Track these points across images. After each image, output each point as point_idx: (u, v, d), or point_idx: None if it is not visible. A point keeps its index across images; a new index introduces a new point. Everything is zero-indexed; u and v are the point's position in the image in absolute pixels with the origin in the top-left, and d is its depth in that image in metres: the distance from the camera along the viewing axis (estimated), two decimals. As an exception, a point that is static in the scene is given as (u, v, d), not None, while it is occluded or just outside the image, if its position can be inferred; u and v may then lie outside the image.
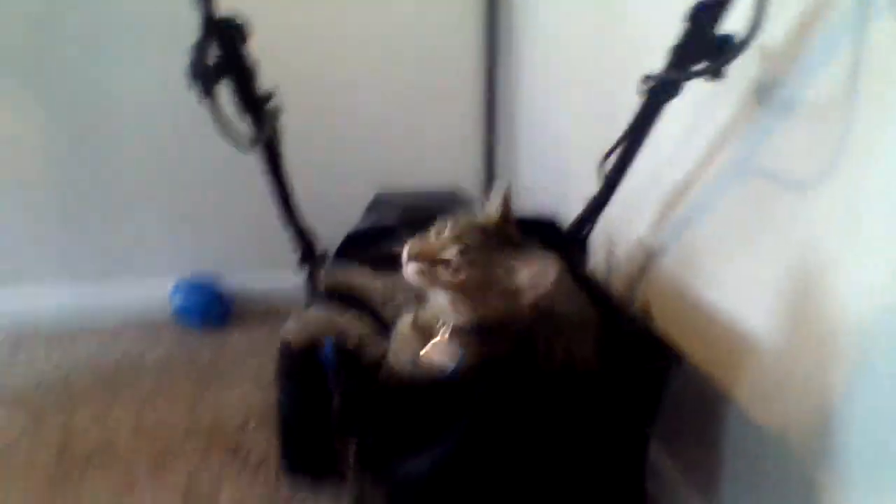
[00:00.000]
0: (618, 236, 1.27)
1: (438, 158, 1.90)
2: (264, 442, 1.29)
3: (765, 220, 0.85)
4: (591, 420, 0.78)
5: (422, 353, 0.78)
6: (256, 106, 0.96)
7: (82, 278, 1.84)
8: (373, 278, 1.06)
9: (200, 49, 0.82)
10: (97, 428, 1.36)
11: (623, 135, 0.98)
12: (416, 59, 1.81)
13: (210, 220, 1.86)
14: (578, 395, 0.62)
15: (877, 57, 0.66)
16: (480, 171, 1.93)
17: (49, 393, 1.50)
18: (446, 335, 0.78)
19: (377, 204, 1.55)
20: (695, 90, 0.84)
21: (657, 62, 0.85)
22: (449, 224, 0.78)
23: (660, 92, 0.88)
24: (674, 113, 0.90)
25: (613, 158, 1.02)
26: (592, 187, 1.09)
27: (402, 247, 0.77)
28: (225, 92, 0.88)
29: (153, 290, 1.83)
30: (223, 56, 0.87)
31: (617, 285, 1.25)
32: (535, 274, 0.72)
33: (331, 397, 0.82)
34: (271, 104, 0.98)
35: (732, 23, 0.75)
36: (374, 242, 1.25)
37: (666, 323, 1.06)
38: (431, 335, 0.79)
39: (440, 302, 0.78)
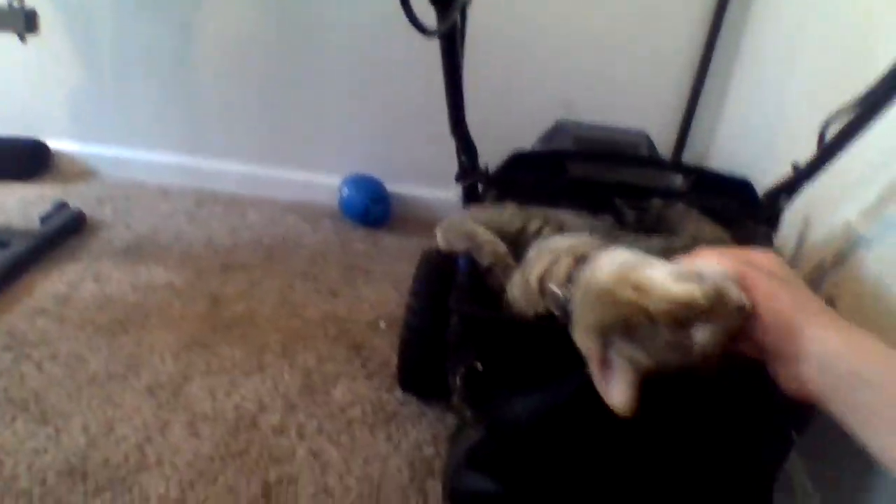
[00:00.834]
0: (817, 215, 1.07)
1: (633, 99, 1.73)
2: (388, 348, 1.30)
3: None
4: (731, 409, 0.66)
5: None
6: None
7: (262, 161, 1.97)
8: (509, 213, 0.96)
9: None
10: (245, 297, 1.45)
11: (859, 97, 0.80)
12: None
13: (385, 129, 1.87)
14: (723, 379, 0.51)
15: None
16: (675, 120, 1.74)
17: (215, 254, 1.62)
18: None
19: (556, 131, 1.46)
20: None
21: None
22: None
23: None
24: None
25: (839, 124, 0.85)
26: (802, 152, 0.92)
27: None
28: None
29: (325, 181, 1.90)
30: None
31: (803, 270, 1.07)
32: None
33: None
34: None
35: None
36: (539, 167, 1.17)
37: (853, 323, 0.90)
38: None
39: None
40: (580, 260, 0.62)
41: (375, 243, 1.75)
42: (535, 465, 0.74)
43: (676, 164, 1.59)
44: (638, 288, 0.50)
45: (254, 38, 1.78)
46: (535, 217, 0.91)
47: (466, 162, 1.11)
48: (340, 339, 1.34)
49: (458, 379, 0.75)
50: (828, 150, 0.90)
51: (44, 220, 1.62)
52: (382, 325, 1.40)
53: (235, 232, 1.75)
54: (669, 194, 1.09)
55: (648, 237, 0.93)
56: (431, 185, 1.85)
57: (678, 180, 1.20)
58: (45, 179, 1.95)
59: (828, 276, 1.01)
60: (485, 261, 0.83)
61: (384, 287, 1.54)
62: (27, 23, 1.47)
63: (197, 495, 0.96)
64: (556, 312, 0.62)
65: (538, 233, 0.89)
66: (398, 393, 1.19)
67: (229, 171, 1.96)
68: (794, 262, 1.13)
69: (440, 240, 0.94)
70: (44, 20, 1.51)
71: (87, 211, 1.73)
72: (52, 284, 1.43)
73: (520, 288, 0.73)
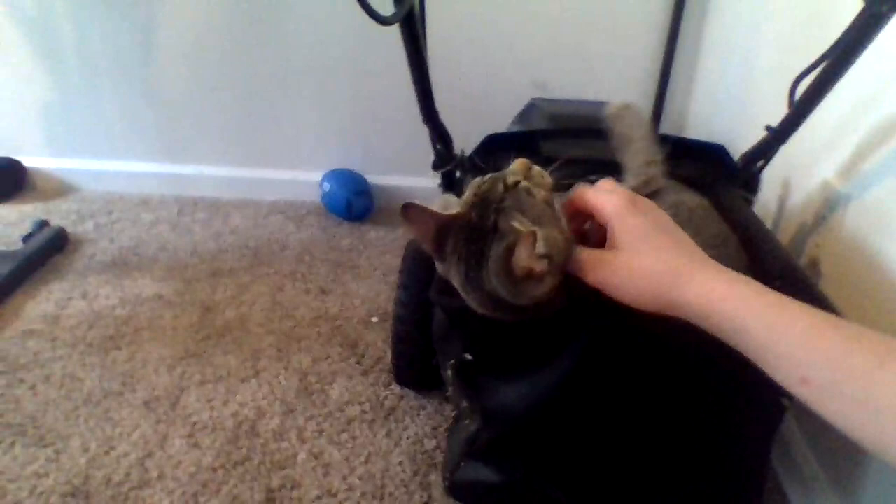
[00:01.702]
0: (797, 175, 1.08)
1: (606, 73, 1.72)
2: (382, 343, 1.30)
3: None
4: (720, 381, 0.66)
5: None
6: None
7: (241, 164, 1.95)
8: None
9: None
10: (236, 303, 1.45)
11: (826, 52, 0.79)
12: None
13: (362, 121, 1.85)
14: (709, 351, 0.51)
15: None
16: (649, 91, 1.73)
17: (201, 262, 1.61)
18: None
19: (531, 110, 1.45)
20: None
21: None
22: None
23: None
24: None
25: (809, 81, 0.86)
26: (775, 115, 0.92)
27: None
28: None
29: (306, 178, 1.89)
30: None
31: (785, 232, 1.08)
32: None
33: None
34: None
35: None
36: (515, 147, 1.16)
37: (836, 284, 0.92)
38: None
39: None
40: None
41: (361, 237, 1.75)
42: (532, 452, 0.75)
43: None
44: None
45: (220, 37, 1.75)
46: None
47: (441, 149, 1.10)
48: (334, 337, 1.34)
49: (449, 372, 0.75)
50: (799, 109, 0.90)
51: (25, 240, 1.61)
52: (374, 319, 1.40)
53: (220, 237, 1.74)
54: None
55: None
56: (413, 174, 1.83)
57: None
58: (23, 199, 1.92)
59: (809, 237, 1.02)
60: None
61: (374, 281, 1.54)
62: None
63: (202, 507, 0.97)
64: None
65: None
66: (395, 387, 1.20)
67: (209, 175, 1.95)
68: (775, 225, 1.14)
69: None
70: (3, 36, 1.48)
71: (68, 227, 1.71)
72: (40, 305, 1.42)
73: None
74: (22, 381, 1.20)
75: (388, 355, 1.20)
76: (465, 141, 1.10)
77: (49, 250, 1.61)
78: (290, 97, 1.82)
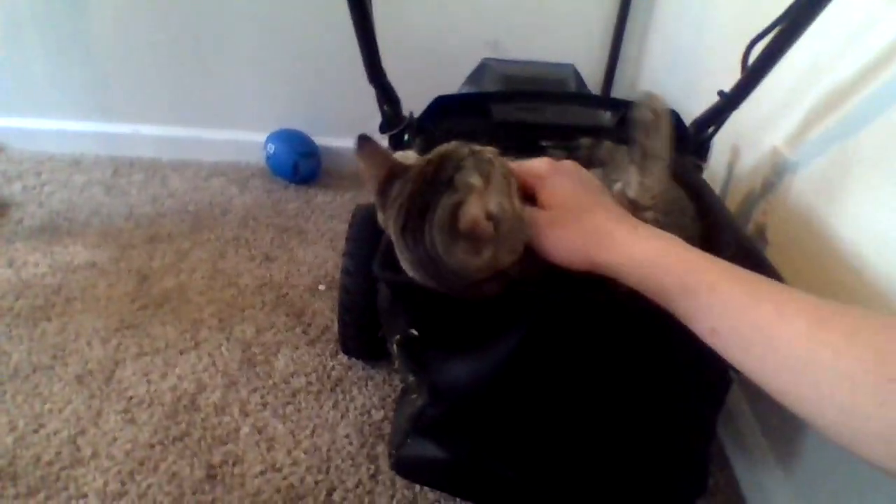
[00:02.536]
0: (746, 142, 1.07)
1: (559, 34, 1.68)
2: (330, 311, 1.27)
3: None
4: (667, 355, 0.65)
5: None
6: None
7: (180, 123, 1.86)
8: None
9: None
10: (175, 270, 1.39)
11: (780, 16, 0.78)
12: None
13: (307, 79, 1.78)
14: (655, 321, 0.50)
15: None
16: (602, 53, 1.70)
17: (137, 227, 1.53)
18: None
19: (482, 71, 1.41)
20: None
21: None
22: None
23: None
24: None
25: (762, 46, 0.84)
26: (727, 81, 0.91)
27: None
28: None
29: (249, 139, 1.81)
30: None
31: (733, 199, 1.08)
32: None
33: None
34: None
35: None
36: (465, 111, 1.12)
37: (782, 251, 0.92)
38: None
39: None
40: None
41: (308, 201, 1.69)
42: (480, 429, 0.73)
43: (604, 99, 1.56)
44: None
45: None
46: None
47: (389, 111, 1.06)
48: (279, 306, 1.30)
49: (394, 347, 0.73)
50: (752, 74, 0.88)
51: (-54, 205, 1.51)
52: (322, 287, 1.36)
53: (158, 200, 1.66)
54: (597, 131, 1.06)
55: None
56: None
57: (606, 116, 1.17)
58: (-57, 160, 1.80)
59: (757, 204, 1.02)
60: None
61: (321, 247, 1.49)
62: None
63: (138, 486, 0.93)
64: None
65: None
66: (343, 358, 1.17)
67: (145, 135, 1.85)
68: (723, 192, 1.13)
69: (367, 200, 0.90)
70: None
71: (-8, 191, 1.61)
72: (-38, 275, 1.34)
73: None
74: (-58, 355, 1.13)
75: (335, 325, 1.17)
76: (415, 103, 1.06)
77: (-29, 215, 1.52)
78: (232, 51, 1.72)
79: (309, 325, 1.25)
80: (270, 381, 1.12)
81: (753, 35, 0.85)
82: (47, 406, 1.05)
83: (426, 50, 1.64)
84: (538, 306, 0.61)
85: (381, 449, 1.00)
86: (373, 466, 0.97)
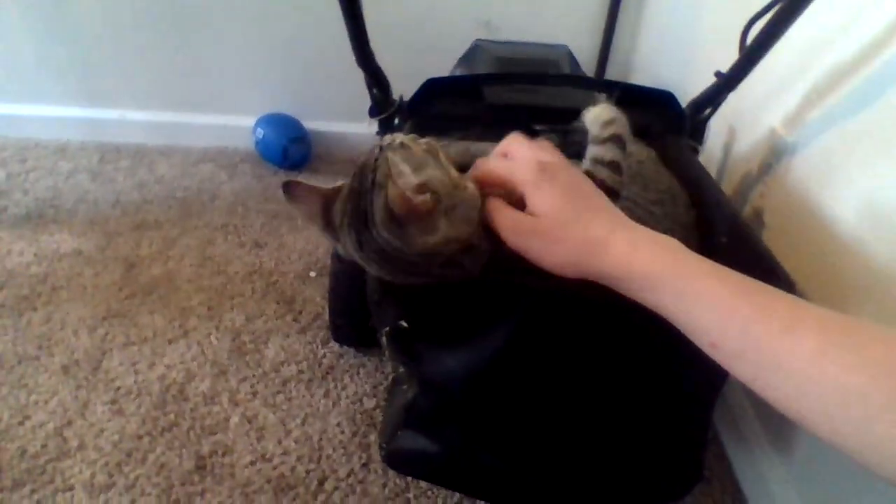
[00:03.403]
0: (743, 124, 1.05)
1: (553, 14, 1.65)
2: (321, 298, 1.25)
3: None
4: (662, 347, 0.64)
5: None
6: None
7: (167, 108, 1.82)
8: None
9: None
10: (163, 258, 1.36)
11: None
12: None
13: (297, 62, 1.74)
14: (650, 316, 0.48)
15: None
16: (597, 34, 1.67)
17: (124, 214, 1.51)
18: None
19: (475, 52, 1.38)
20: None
21: None
22: None
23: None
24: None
25: (761, 25, 0.82)
26: (724, 61, 0.89)
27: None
28: None
29: (238, 123, 1.78)
30: None
31: (730, 182, 1.06)
32: None
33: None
34: None
35: None
36: (457, 93, 1.10)
37: (779, 233, 0.91)
38: None
39: None
40: None
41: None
42: (472, 421, 0.72)
43: (598, 81, 1.54)
44: None
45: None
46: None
47: (378, 95, 1.04)
48: (269, 293, 1.28)
49: (384, 339, 0.71)
50: (750, 54, 0.86)
51: (-73, 192, 1.48)
52: (313, 274, 1.34)
53: (145, 187, 1.63)
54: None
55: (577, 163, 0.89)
56: (353, 120, 1.73)
57: (601, 98, 1.15)
58: (-75, 147, 1.76)
59: (754, 187, 1.00)
60: None
61: (312, 233, 1.47)
62: None
63: (126, 477, 0.91)
64: None
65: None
66: (334, 345, 1.15)
67: (132, 120, 1.81)
68: (720, 174, 1.12)
69: None
70: None
71: (-24, 178, 1.58)
72: (-55, 264, 1.31)
73: None
74: (-75, 346, 1.11)
75: (326, 312, 1.15)
76: (405, 85, 1.04)
77: (-46, 203, 1.49)
78: (220, 34, 1.69)
79: (300, 312, 1.23)
80: (260, 370, 1.10)
81: (750, 13, 0.83)
82: (33, 397, 1.03)
83: (416, 31, 1.61)
84: (529, 298, 0.60)
85: (373, 438, 0.98)
86: (365, 455, 0.96)
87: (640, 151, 0.91)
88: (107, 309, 1.21)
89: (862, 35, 0.78)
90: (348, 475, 0.93)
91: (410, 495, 0.91)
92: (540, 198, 0.53)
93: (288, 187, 0.60)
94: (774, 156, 0.96)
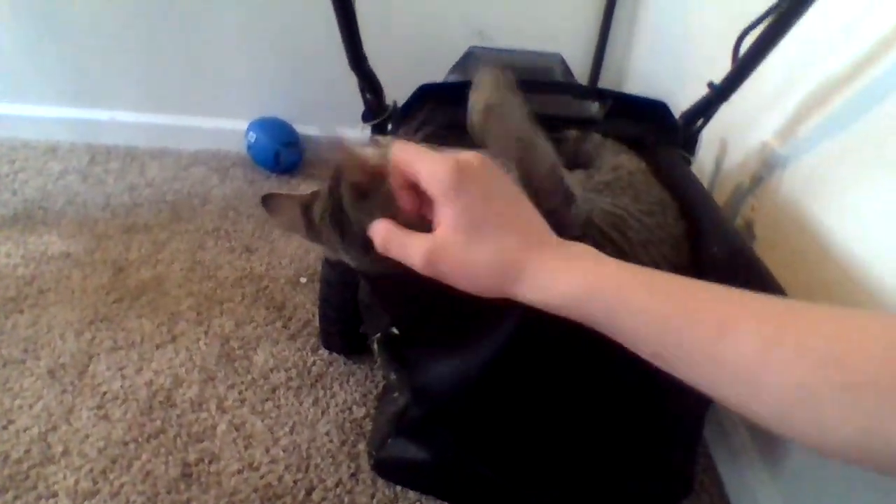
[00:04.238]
0: (735, 136, 1.06)
1: (547, 23, 1.65)
2: (311, 305, 1.24)
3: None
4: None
5: None
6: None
7: (159, 110, 1.81)
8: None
9: None
10: (152, 262, 1.35)
11: (772, 6, 0.76)
12: None
13: (290, 66, 1.73)
14: None
15: None
16: (590, 42, 1.67)
17: (113, 217, 1.49)
18: None
19: (468, 59, 1.38)
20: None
21: None
22: None
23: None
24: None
25: (754, 37, 0.83)
26: (717, 72, 0.89)
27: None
28: None
29: (230, 127, 1.77)
30: None
31: (721, 193, 1.06)
32: None
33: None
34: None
35: None
36: (450, 99, 1.10)
37: (770, 246, 0.91)
38: None
39: None
40: None
41: (290, 191, 1.65)
42: (463, 430, 0.71)
43: (592, 90, 1.54)
44: None
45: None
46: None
47: (371, 100, 1.04)
48: (259, 299, 1.27)
49: (375, 345, 0.71)
50: (743, 66, 0.87)
51: (-87, 192, 1.46)
52: (303, 280, 1.33)
53: (135, 190, 1.62)
54: (585, 123, 1.04)
55: (571, 172, 0.89)
56: (346, 125, 1.73)
57: (594, 107, 1.15)
58: (-87, 146, 1.74)
59: (745, 199, 1.00)
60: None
61: (302, 239, 1.46)
62: None
63: (111, 484, 0.90)
64: None
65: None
66: (324, 352, 1.14)
67: (123, 122, 1.80)
68: (711, 185, 1.12)
69: None
70: None
71: (-36, 178, 1.56)
72: (-70, 265, 1.30)
73: None
74: None
75: (317, 319, 1.14)
76: (399, 91, 1.04)
77: (-59, 203, 1.47)
78: (213, 36, 1.68)
79: (289, 318, 1.22)
80: (249, 377, 1.09)
81: (743, 24, 0.83)
82: (17, 402, 1.02)
83: (410, 37, 1.61)
84: (523, 306, 0.59)
85: (362, 447, 0.97)
86: (353, 465, 0.95)
87: (630, 162, 0.92)
88: (94, 312, 1.20)
89: (854, 48, 0.79)
90: (336, 485, 0.93)
91: (399, 505, 0.91)
92: (454, 209, 0.46)
93: (266, 201, 0.62)
94: (766, 168, 0.96)
